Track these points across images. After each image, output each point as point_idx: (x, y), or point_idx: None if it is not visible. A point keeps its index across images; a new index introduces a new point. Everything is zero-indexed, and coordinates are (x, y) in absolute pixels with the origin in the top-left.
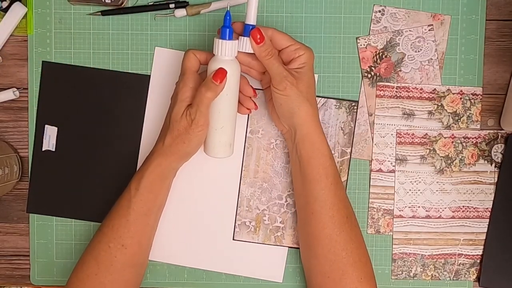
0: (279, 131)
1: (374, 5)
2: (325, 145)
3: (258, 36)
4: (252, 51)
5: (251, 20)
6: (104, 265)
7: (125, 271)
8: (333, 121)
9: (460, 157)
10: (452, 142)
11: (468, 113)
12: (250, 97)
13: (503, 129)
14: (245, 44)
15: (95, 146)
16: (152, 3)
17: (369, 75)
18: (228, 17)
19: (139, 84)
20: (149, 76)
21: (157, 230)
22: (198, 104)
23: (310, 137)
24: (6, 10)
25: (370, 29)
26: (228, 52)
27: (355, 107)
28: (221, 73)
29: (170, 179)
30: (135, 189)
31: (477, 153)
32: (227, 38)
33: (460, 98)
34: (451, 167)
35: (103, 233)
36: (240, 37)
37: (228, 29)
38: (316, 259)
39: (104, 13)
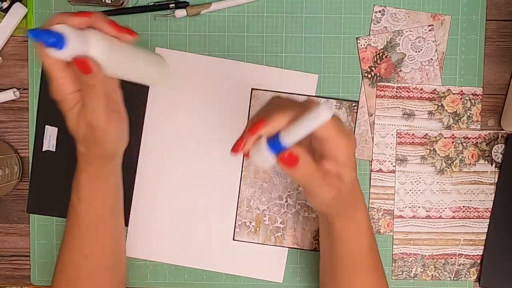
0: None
1: (374, 5)
2: (368, 226)
3: (289, 159)
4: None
5: (289, 140)
6: (73, 276)
7: (96, 277)
8: None
9: (460, 157)
10: (453, 142)
11: (468, 113)
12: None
13: (503, 129)
14: (263, 158)
15: None
16: (152, 4)
17: (369, 75)
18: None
19: (139, 84)
20: None
21: (157, 230)
22: (87, 102)
23: (355, 223)
24: (6, 10)
25: (370, 29)
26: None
27: (355, 107)
28: (83, 64)
29: (113, 178)
30: (77, 200)
31: (478, 153)
32: (60, 47)
33: (460, 98)
34: (451, 167)
35: (64, 245)
36: (258, 147)
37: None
38: None
39: (104, 13)
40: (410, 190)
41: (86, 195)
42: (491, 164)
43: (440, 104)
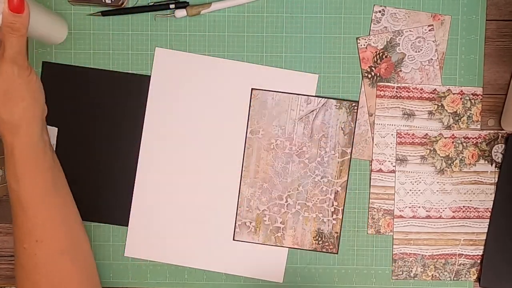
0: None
1: (374, 5)
2: None
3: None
4: None
5: None
6: (30, 266)
7: (53, 262)
8: (333, 121)
9: (460, 157)
10: (453, 142)
11: (468, 113)
12: None
13: (503, 129)
14: None
15: (95, 146)
16: (152, 4)
17: (369, 75)
18: None
19: (139, 84)
20: (149, 76)
21: (157, 230)
22: (13, 49)
23: None
24: None
25: (370, 29)
26: None
27: (355, 107)
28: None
29: (47, 147)
30: (15, 182)
31: (478, 153)
32: None
33: (461, 98)
34: (451, 167)
35: (15, 237)
36: None
37: None
38: None
39: (104, 13)
40: (410, 190)
41: (24, 172)
42: (491, 164)
43: (440, 104)
